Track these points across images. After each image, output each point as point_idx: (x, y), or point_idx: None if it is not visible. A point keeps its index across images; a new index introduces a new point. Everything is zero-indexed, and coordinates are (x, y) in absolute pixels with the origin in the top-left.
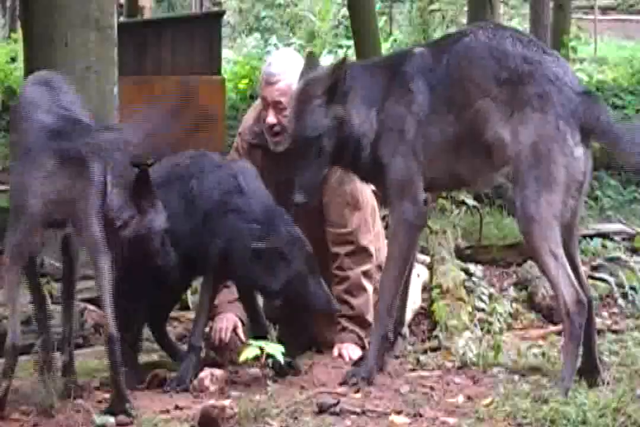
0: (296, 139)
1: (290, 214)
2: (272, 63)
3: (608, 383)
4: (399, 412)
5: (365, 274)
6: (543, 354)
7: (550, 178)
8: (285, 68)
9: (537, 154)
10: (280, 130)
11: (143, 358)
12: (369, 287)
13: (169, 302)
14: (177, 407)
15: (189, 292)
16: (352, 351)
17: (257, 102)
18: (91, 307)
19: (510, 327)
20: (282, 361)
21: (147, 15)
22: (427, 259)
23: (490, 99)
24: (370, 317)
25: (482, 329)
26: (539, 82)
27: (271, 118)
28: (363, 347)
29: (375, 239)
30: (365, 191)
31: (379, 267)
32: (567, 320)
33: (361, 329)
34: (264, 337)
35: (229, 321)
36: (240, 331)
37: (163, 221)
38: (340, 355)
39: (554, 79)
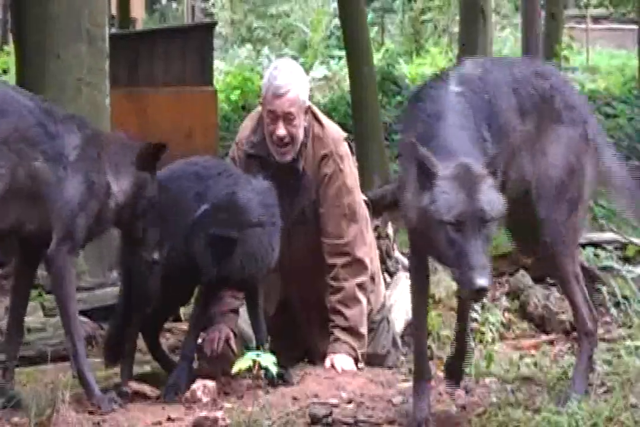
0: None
1: (288, 225)
2: (277, 76)
3: (605, 392)
4: (391, 423)
5: (360, 286)
6: (535, 364)
7: (579, 198)
8: (291, 79)
9: (570, 172)
10: (289, 141)
11: (135, 370)
12: (363, 299)
13: (163, 313)
14: (169, 419)
15: None
16: (344, 362)
17: (254, 112)
18: (83, 319)
19: (502, 337)
20: (275, 372)
21: (139, 26)
22: None
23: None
24: (363, 329)
25: (474, 338)
26: (562, 92)
27: (282, 131)
28: (356, 358)
29: (369, 251)
30: (362, 204)
31: (372, 278)
32: (584, 338)
33: (354, 340)
34: (258, 347)
35: (222, 332)
36: (232, 342)
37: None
38: (332, 366)
39: (572, 87)
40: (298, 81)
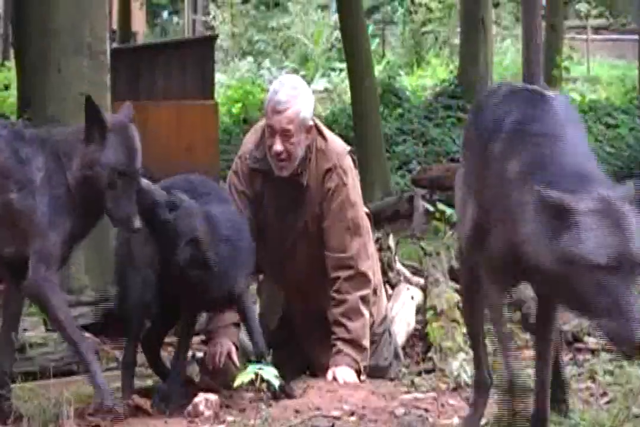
0: None
1: (291, 239)
2: (278, 91)
3: (607, 402)
4: None
5: (363, 299)
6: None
7: None
8: (293, 95)
9: None
10: (286, 158)
11: (138, 383)
12: (366, 312)
13: (162, 326)
14: None
15: None
16: (346, 375)
17: (259, 125)
18: (85, 333)
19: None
20: (277, 385)
21: (140, 40)
22: (421, 280)
23: None
24: (366, 341)
25: None
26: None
27: (278, 146)
28: (358, 371)
29: (372, 264)
30: (365, 217)
31: (374, 290)
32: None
33: (356, 353)
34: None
35: (223, 346)
36: (234, 355)
37: None
38: (334, 378)
39: None
40: (300, 98)
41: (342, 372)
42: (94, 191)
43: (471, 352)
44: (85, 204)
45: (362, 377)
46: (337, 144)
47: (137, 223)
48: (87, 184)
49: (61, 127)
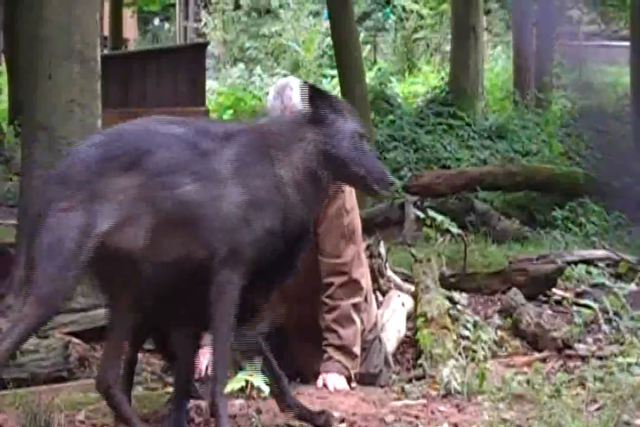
0: None
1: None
2: (291, 96)
3: (597, 409)
4: None
5: (355, 306)
6: (528, 382)
7: None
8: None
9: None
10: None
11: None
12: (357, 320)
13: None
14: None
15: None
16: (336, 381)
17: None
18: (76, 340)
19: (495, 355)
20: (267, 392)
21: (132, 47)
22: (412, 287)
23: None
24: (357, 349)
25: (466, 357)
26: None
27: None
28: (348, 378)
29: (365, 272)
30: (360, 225)
31: (364, 297)
32: None
33: (347, 360)
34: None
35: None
36: None
37: None
38: (324, 385)
39: None
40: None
41: (333, 379)
42: (322, 177)
43: (461, 359)
44: (302, 201)
45: (353, 384)
46: None
47: (393, 178)
48: (313, 173)
49: (263, 121)
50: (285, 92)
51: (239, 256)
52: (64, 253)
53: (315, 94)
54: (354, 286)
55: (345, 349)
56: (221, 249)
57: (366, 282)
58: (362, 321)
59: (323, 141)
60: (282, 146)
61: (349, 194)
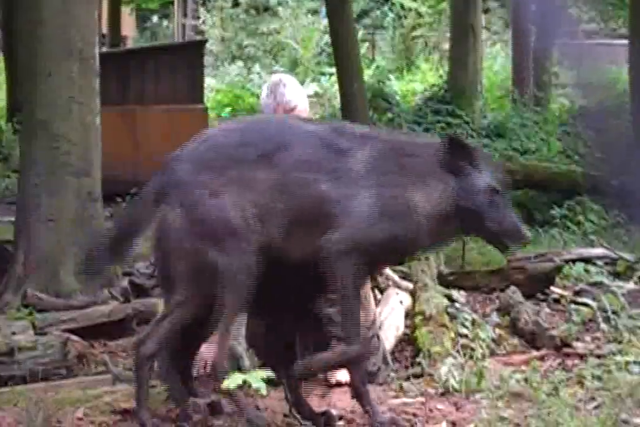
0: None
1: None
2: (285, 93)
3: (595, 407)
4: None
5: None
6: (526, 380)
7: None
8: (298, 91)
9: None
10: None
11: (124, 389)
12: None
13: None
14: None
15: None
16: (344, 374)
17: None
18: (74, 337)
19: (493, 353)
20: (265, 390)
21: (130, 44)
22: (410, 285)
23: None
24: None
25: (464, 355)
26: None
27: None
28: None
29: None
30: None
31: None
32: None
33: None
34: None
35: (210, 351)
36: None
37: None
38: (332, 377)
39: None
40: (301, 92)
41: (341, 373)
42: (451, 224)
43: (459, 357)
44: (426, 234)
45: None
46: None
47: (528, 231)
48: (444, 216)
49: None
50: (278, 90)
51: (363, 252)
52: (234, 233)
53: (455, 146)
54: None
55: None
56: (347, 244)
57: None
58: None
59: (458, 192)
60: (418, 173)
61: None
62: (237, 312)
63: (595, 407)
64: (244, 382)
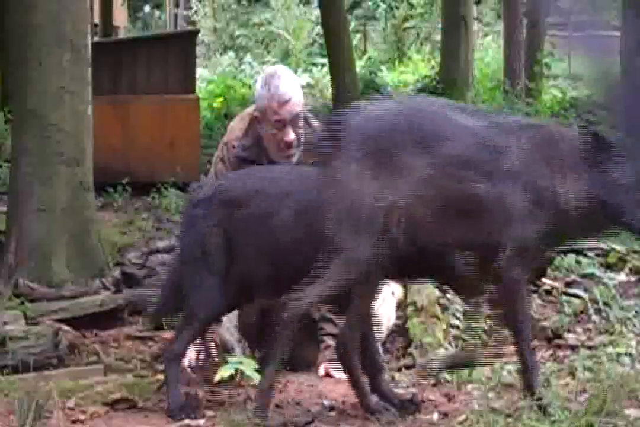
0: None
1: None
2: (279, 85)
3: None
4: None
5: None
6: (517, 371)
7: None
8: (291, 82)
9: None
10: (297, 144)
11: (118, 379)
12: None
13: None
14: None
15: None
16: (338, 370)
17: (245, 112)
18: (66, 327)
19: (484, 344)
20: (256, 380)
21: (122, 34)
22: None
23: None
24: None
25: (456, 346)
26: None
27: (292, 135)
28: None
29: None
30: None
31: None
32: None
33: None
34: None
35: (201, 342)
36: (214, 350)
37: None
38: (327, 374)
39: None
40: (296, 83)
41: (334, 368)
42: (596, 220)
43: (451, 348)
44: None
45: None
46: None
47: None
48: (587, 211)
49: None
50: (273, 81)
51: (524, 252)
52: (365, 220)
53: (597, 141)
54: None
55: None
56: (506, 245)
57: None
58: None
59: (599, 188)
60: (567, 166)
61: None
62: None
63: (587, 399)
64: (236, 370)
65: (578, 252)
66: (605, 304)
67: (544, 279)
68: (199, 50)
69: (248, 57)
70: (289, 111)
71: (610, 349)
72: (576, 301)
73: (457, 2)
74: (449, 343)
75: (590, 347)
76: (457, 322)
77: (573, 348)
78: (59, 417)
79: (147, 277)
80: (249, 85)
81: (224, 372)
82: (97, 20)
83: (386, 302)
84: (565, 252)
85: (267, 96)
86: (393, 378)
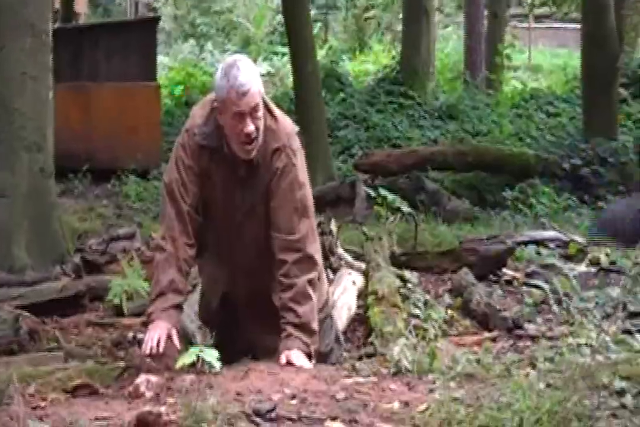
0: None
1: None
2: (238, 75)
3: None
4: (334, 419)
5: (310, 282)
6: (478, 361)
7: None
8: (250, 73)
9: None
10: (257, 135)
11: (76, 365)
12: (314, 296)
13: None
14: (112, 414)
15: (124, 297)
16: (299, 358)
17: (207, 99)
18: (26, 313)
19: (445, 334)
20: (218, 367)
21: (82, 21)
22: (363, 265)
23: None
24: (315, 324)
25: (417, 335)
26: None
27: (251, 127)
28: (309, 354)
29: (319, 247)
30: (312, 200)
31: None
32: None
33: (306, 336)
34: None
35: (162, 328)
36: (175, 337)
37: None
38: (288, 362)
39: None
40: (255, 73)
41: (296, 356)
42: None
43: (412, 337)
44: None
45: (313, 360)
46: (286, 124)
47: None
48: None
49: None
50: (232, 72)
51: None
52: None
53: None
54: (308, 261)
55: (303, 326)
56: None
57: (320, 257)
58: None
59: None
60: None
61: (301, 169)
62: None
63: (548, 389)
64: (198, 357)
65: (538, 243)
66: (566, 294)
67: (504, 270)
68: (160, 37)
69: (209, 45)
70: (248, 103)
71: (570, 340)
72: (537, 291)
73: None
74: (410, 332)
75: (550, 338)
76: (417, 312)
77: (533, 338)
78: (19, 403)
79: (108, 264)
80: (210, 73)
81: (185, 360)
82: (57, 6)
83: (347, 291)
84: (525, 243)
85: (226, 87)
86: (354, 367)
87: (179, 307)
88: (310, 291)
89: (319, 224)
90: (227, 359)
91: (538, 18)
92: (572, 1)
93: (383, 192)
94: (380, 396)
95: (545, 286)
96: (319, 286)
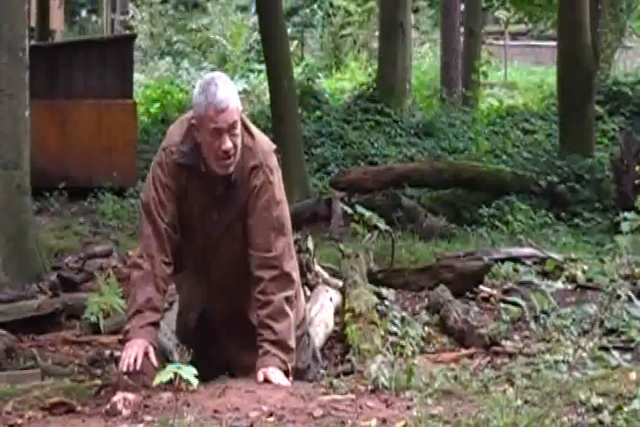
0: None
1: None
2: (216, 92)
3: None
4: None
5: (288, 299)
6: (455, 378)
7: None
8: (228, 90)
9: None
10: (234, 152)
11: (53, 383)
12: (291, 313)
13: None
14: None
15: (101, 315)
16: (276, 375)
17: (184, 117)
18: (3, 331)
19: (422, 351)
20: (196, 385)
21: (58, 38)
22: (340, 283)
23: None
24: (292, 342)
25: (394, 352)
26: None
27: (229, 144)
28: (286, 371)
29: (296, 265)
30: (289, 218)
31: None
32: None
33: (283, 354)
34: None
35: (140, 346)
36: (152, 355)
37: None
38: (265, 379)
39: None
40: (233, 90)
41: (273, 373)
42: None
43: (389, 355)
44: None
45: (290, 378)
46: (264, 142)
47: None
48: None
49: None
50: (210, 89)
51: None
52: None
53: None
54: (285, 279)
55: (281, 344)
56: None
57: (297, 275)
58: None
59: None
60: None
61: (278, 187)
62: None
63: (525, 403)
64: (175, 375)
65: (515, 260)
66: (543, 311)
67: (481, 287)
68: (136, 55)
69: (185, 63)
70: (226, 119)
71: (547, 357)
72: (514, 308)
73: (395, 9)
74: (387, 349)
75: (528, 355)
76: (395, 329)
77: (510, 355)
78: None
79: (85, 282)
80: (186, 90)
81: (162, 377)
82: (33, 23)
83: (324, 309)
84: (502, 260)
85: (204, 103)
86: (331, 384)
87: (156, 324)
88: (287, 308)
89: (296, 242)
90: (205, 377)
91: (514, 35)
92: (548, 19)
93: (360, 209)
94: (358, 413)
95: (523, 303)
96: (296, 303)
